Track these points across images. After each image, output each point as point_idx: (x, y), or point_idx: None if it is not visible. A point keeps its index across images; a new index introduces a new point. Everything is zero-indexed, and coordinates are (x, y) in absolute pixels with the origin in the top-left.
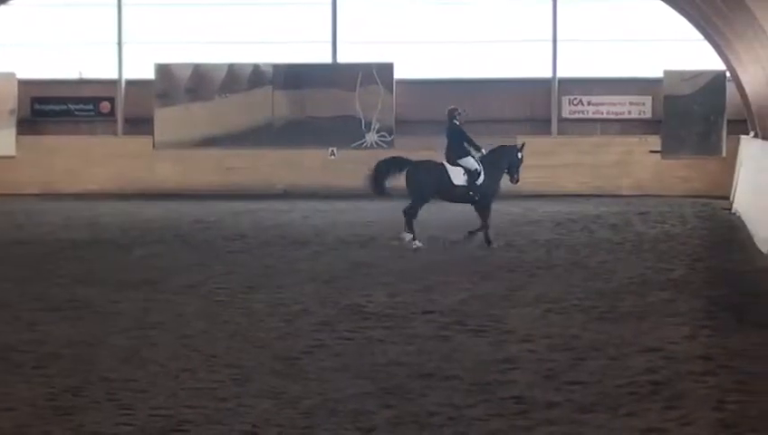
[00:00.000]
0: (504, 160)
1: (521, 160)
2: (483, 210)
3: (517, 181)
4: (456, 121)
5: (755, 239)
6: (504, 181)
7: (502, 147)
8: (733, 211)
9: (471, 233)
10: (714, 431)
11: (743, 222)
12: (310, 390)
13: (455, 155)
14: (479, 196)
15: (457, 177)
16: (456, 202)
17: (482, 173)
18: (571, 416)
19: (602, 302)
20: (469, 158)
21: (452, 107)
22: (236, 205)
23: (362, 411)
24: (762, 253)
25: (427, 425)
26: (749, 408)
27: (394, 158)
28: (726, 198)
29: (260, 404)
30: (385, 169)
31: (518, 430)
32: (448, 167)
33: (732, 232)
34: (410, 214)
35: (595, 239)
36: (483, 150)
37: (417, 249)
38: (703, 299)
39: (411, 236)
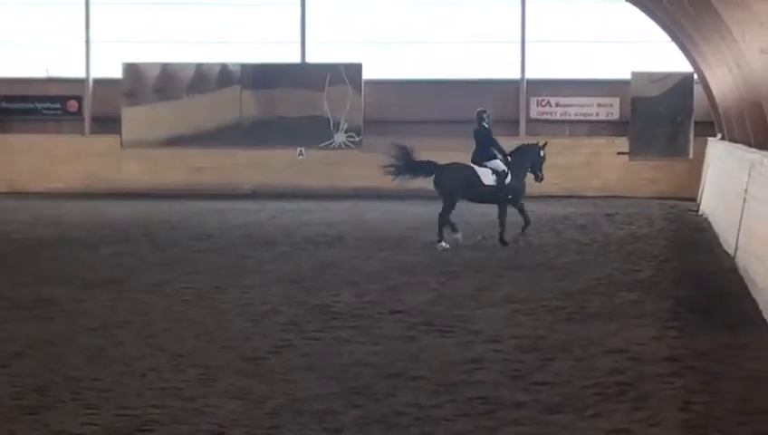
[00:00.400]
0: (528, 160)
1: (543, 159)
2: (519, 210)
3: (542, 179)
4: (484, 124)
5: (722, 241)
6: None
7: (525, 146)
8: (700, 213)
9: (522, 234)
10: (680, 432)
11: (709, 223)
12: (276, 390)
13: (482, 157)
14: (509, 195)
15: (486, 177)
16: (484, 202)
17: (509, 174)
18: (537, 416)
19: (570, 302)
20: (496, 160)
21: (480, 109)
22: (204, 204)
23: (329, 412)
24: (728, 254)
25: (394, 425)
26: (715, 409)
27: (421, 162)
28: (693, 199)
29: (226, 404)
30: (413, 169)
31: (484, 431)
32: (476, 168)
33: (698, 233)
34: (444, 217)
35: (563, 240)
36: (508, 157)
37: (444, 250)
38: (670, 300)
39: (459, 235)
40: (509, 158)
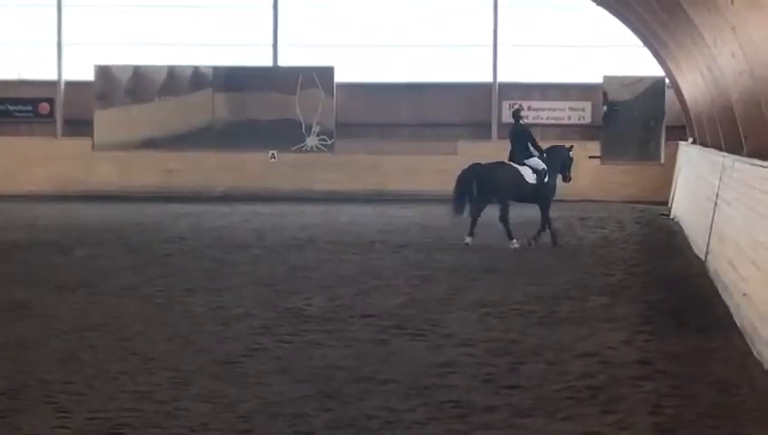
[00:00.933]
0: (559, 160)
1: (572, 160)
2: (545, 209)
3: (570, 180)
4: (521, 122)
5: (692, 245)
6: (443, 184)
7: (554, 147)
8: (671, 217)
9: (536, 238)
10: None
11: (680, 227)
12: (248, 393)
13: (521, 156)
14: (548, 194)
15: (529, 176)
16: (527, 202)
17: (548, 173)
18: (509, 420)
19: (541, 306)
20: (535, 158)
21: (516, 107)
22: (176, 207)
23: (301, 415)
24: (699, 258)
25: (366, 429)
26: (686, 412)
27: (463, 178)
28: (665, 203)
29: (198, 408)
30: (467, 185)
31: None
32: (519, 167)
33: (670, 237)
34: (505, 218)
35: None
36: (544, 154)
37: (516, 249)
38: (641, 304)
39: (515, 241)
40: (544, 155)
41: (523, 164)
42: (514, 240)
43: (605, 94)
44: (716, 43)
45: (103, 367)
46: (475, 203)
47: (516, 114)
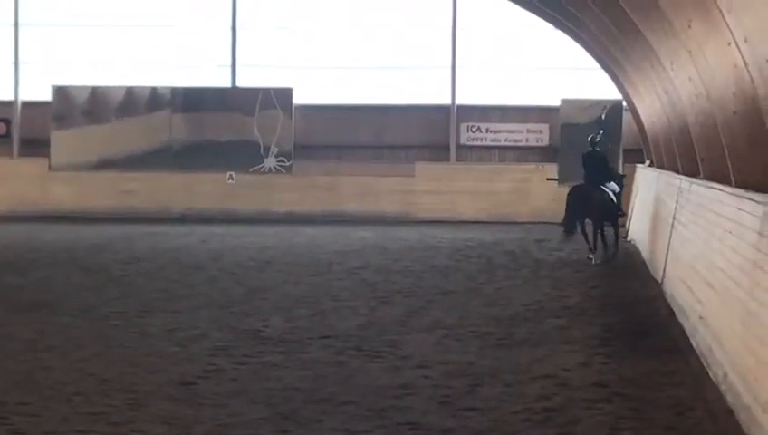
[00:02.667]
0: (619, 180)
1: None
2: (617, 227)
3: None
4: (597, 148)
5: (649, 267)
6: (401, 205)
7: (614, 168)
8: (628, 239)
9: (612, 254)
10: None
11: (637, 249)
12: (205, 415)
13: (599, 180)
14: (620, 215)
15: (613, 198)
16: (608, 222)
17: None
18: None
19: (498, 328)
20: (613, 182)
21: (592, 134)
22: (133, 228)
23: None
24: (655, 280)
25: None
26: (642, 434)
27: (571, 201)
28: (622, 226)
29: (154, 429)
30: (574, 207)
31: None
32: (608, 191)
33: (626, 260)
34: (595, 235)
35: (492, 266)
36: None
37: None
38: (597, 326)
39: (595, 253)
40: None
41: (605, 187)
42: (592, 255)
43: (602, 118)
44: (673, 67)
45: (59, 388)
46: (582, 222)
47: (593, 141)
